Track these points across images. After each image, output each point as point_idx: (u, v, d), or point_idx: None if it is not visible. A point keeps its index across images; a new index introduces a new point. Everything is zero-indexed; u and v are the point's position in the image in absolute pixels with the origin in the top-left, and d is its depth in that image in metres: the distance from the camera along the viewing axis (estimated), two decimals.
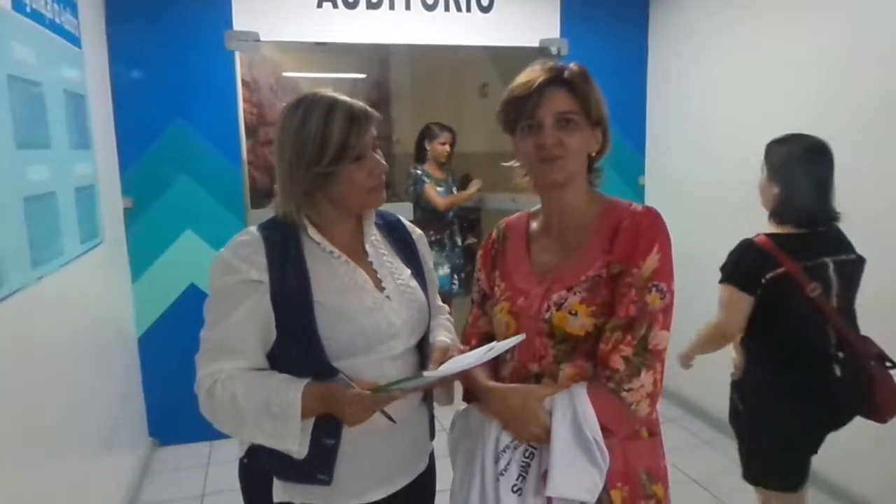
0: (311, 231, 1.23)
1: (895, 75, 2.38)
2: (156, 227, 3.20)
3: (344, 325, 1.18)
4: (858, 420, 1.89)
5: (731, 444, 3.06)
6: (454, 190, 4.14)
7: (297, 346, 1.18)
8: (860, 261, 1.91)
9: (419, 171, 3.98)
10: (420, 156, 4.08)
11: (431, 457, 1.42)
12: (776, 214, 1.94)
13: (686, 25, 3.52)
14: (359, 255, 1.28)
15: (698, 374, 3.45)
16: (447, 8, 3.43)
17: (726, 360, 3.01)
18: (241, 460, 1.30)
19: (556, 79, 1.18)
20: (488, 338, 1.35)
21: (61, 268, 2.11)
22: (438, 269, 3.87)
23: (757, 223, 3.09)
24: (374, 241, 1.33)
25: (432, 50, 3.58)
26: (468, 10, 3.47)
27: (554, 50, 3.59)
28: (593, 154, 1.25)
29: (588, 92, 1.19)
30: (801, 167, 1.88)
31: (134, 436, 3.11)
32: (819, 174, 1.88)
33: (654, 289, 1.13)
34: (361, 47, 3.86)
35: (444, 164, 4.09)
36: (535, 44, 3.59)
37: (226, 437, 1.22)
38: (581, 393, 1.12)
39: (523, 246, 1.32)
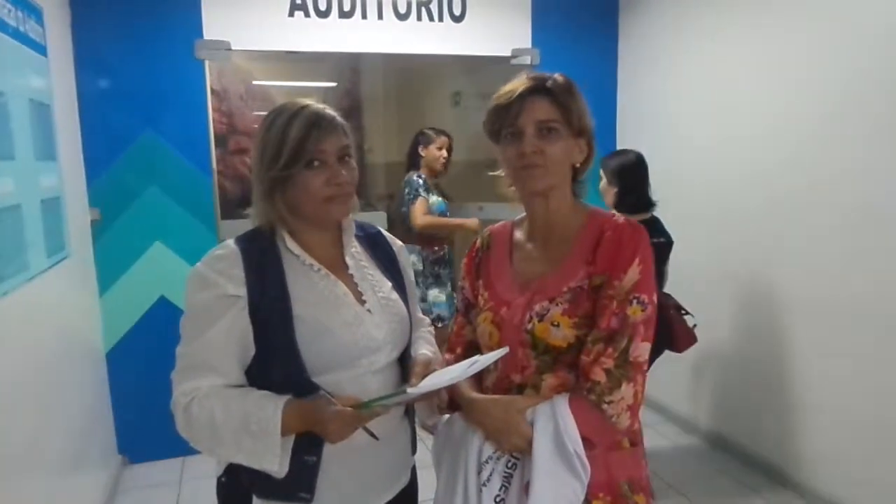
0: (290, 243, 1.21)
1: (863, 78, 2.45)
2: (124, 239, 3.13)
3: (324, 340, 1.17)
4: None
5: (709, 452, 3.14)
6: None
7: (276, 361, 1.16)
8: (670, 243, 2.71)
9: (420, 179, 3.59)
10: (414, 163, 3.70)
11: (413, 470, 1.40)
12: (618, 208, 2.67)
13: (655, 34, 3.58)
14: (339, 267, 1.27)
15: (676, 382, 3.51)
16: (419, 17, 3.44)
17: (701, 369, 3.09)
18: (218, 479, 1.27)
19: (538, 88, 1.18)
20: (473, 346, 1.35)
21: (27, 283, 2.05)
22: (447, 287, 3.67)
23: (725, 230, 3.16)
24: (355, 254, 1.32)
25: (404, 58, 3.59)
26: (440, 19, 3.48)
27: (526, 59, 3.62)
28: (577, 165, 1.25)
29: (570, 102, 1.19)
30: (632, 172, 2.73)
31: (103, 453, 3.03)
32: (643, 176, 2.73)
33: (635, 301, 1.13)
34: (332, 56, 3.83)
35: (440, 173, 3.73)
36: (507, 53, 3.62)
37: (199, 452, 1.19)
38: (563, 405, 1.12)
39: (506, 254, 1.32)
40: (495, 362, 1.25)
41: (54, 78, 2.54)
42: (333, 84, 6.34)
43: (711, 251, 3.27)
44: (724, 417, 3.30)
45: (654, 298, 1.16)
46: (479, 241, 1.40)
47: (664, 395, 3.68)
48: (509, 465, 1.15)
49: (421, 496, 1.43)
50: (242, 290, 1.15)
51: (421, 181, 3.59)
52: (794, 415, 2.83)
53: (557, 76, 1.21)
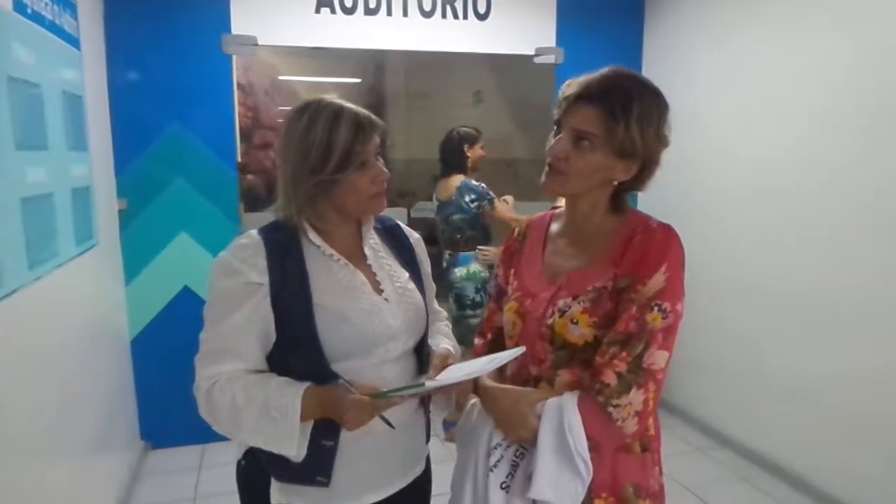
0: (312, 235, 1.24)
1: None
2: (150, 230, 3.20)
3: (343, 328, 1.20)
4: None
5: (724, 453, 3.11)
6: None
7: (296, 348, 1.19)
8: None
9: (482, 184, 3.35)
10: (459, 164, 3.43)
11: (428, 460, 1.43)
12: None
13: (682, 34, 3.56)
14: (358, 258, 1.30)
15: (695, 385, 3.49)
16: (444, 15, 3.46)
17: (722, 371, 3.08)
18: (238, 462, 1.31)
19: (592, 95, 1.12)
20: (503, 332, 1.36)
21: (57, 269, 2.11)
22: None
23: (749, 233, 3.13)
24: (373, 245, 1.34)
25: (427, 56, 3.60)
26: (465, 17, 3.49)
27: (550, 58, 3.62)
28: (615, 183, 1.19)
29: (623, 120, 1.10)
30: None
31: (126, 438, 3.10)
32: None
33: (656, 308, 1.10)
34: (357, 52, 3.86)
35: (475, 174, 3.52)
36: (531, 52, 3.62)
37: (218, 439, 1.22)
38: (571, 402, 1.12)
39: (540, 246, 1.32)
40: None
41: (86, 70, 2.61)
42: (358, 80, 6.39)
43: (730, 256, 3.25)
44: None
45: (679, 307, 1.12)
46: (517, 231, 1.41)
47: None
48: (517, 454, 1.16)
49: (435, 489, 1.45)
50: (265, 279, 1.18)
51: (484, 186, 3.35)
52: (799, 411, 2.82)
53: (633, 87, 1.12)
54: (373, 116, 1.24)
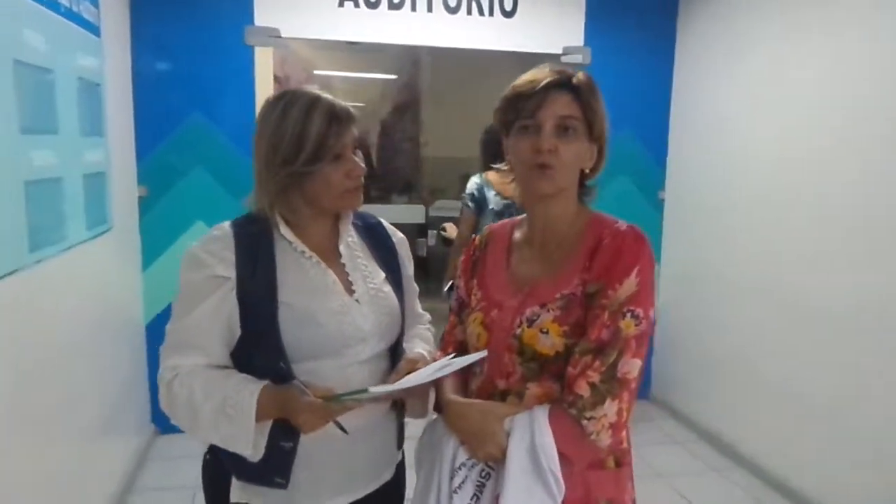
0: (284, 229, 1.22)
1: None
2: (169, 217, 3.24)
3: (308, 328, 1.16)
4: None
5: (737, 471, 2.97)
6: None
7: (258, 345, 1.16)
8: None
9: None
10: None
11: (400, 466, 1.38)
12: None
13: (716, 38, 3.42)
14: (331, 256, 1.26)
15: (717, 403, 3.37)
16: (469, 11, 3.41)
17: (734, 386, 2.94)
18: (204, 456, 1.29)
19: (562, 82, 1.12)
20: (464, 347, 1.31)
21: (63, 252, 2.13)
22: None
23: (778, 243, 3.00)
24: (350, 243, 1.31)
25: (461, 53, 3.54)
26: (491, 14, 3.43)
27: (577, 58, 3.53)
28: (586, 170, 1.18)
29: (594, 102, 1.13)
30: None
31: (137, 421, 3.15)
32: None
33: (628, 314, 1.06)
34: (393, 48, 3.83)
35: None
36: (558, 51, 3.53)
37: None
38: (542, 417, 1.06)
39: (503, 255, 1.27)
40: (481, 365, 1.21)
41: (109, 58, 2.64)
42: (394, 77, 6.38)
43: (758, 262, 3.12)
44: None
45: (651, 314, 1.09)
46: (477, 239, 1.36)
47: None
48: (483, 474, 1.10)
49: (409, 494, 1.41)
50: (231, 272, 1.15)
51: None
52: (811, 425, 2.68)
53: (581, 74, 1.15)
54: (350, 109, 1.20)
